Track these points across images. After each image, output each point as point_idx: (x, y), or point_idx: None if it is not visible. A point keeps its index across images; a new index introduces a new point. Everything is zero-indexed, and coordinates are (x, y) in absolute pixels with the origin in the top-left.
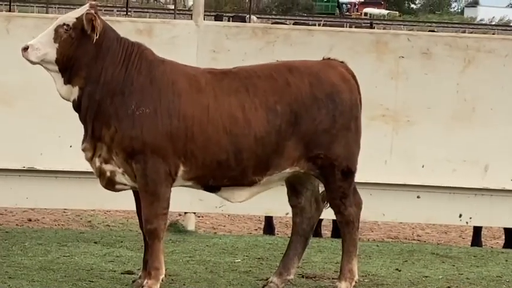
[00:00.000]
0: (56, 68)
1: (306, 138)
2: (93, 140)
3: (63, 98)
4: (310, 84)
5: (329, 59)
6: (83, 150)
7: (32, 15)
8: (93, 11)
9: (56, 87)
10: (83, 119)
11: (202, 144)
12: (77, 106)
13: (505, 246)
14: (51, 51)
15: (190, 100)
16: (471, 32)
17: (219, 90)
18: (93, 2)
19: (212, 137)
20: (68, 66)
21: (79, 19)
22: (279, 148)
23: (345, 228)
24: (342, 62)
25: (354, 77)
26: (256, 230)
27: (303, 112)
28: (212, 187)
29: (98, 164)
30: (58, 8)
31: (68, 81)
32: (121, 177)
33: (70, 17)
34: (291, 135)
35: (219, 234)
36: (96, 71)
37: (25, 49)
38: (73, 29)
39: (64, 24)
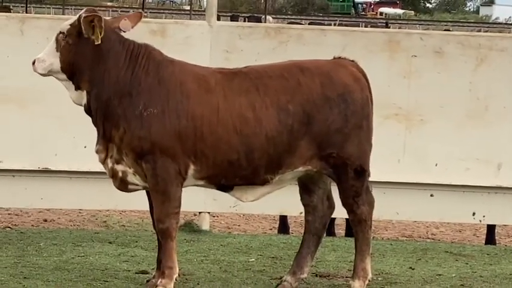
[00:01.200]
0: (64, 76)
1: (319, 138)
2: (104, 142)
3: (76, 104)
4: (321, 84)
5: (340, 58)
6: (97, 152)
7: (46, 17)
8: (94, 13)
9: (69, 95)
10: (94, 122)
11: (212, 144)
12: (88, 110)
13: None
14: (55, 61)
15: (199, 100)
16: (486, 31)
17: (229, 90)
18: (92, 8)
19: (222, 137)
20: (73, 72)
21: (73, 25)
22: (291, 147)
23: (357, 227)
24: (352, 61)
25: (364, 75)
26: (271, 229)
27: (314, 112)
28: (225, 186)
29: (110, 165)
30: (74, 9)
31: (77, 87)
32: (132, 178)
33: (65, 24)
34: (304, 135)
35: (233, 233)
36: (99, 74)
37: (33, 63)
38: (68, 36)
39: (60, 32)
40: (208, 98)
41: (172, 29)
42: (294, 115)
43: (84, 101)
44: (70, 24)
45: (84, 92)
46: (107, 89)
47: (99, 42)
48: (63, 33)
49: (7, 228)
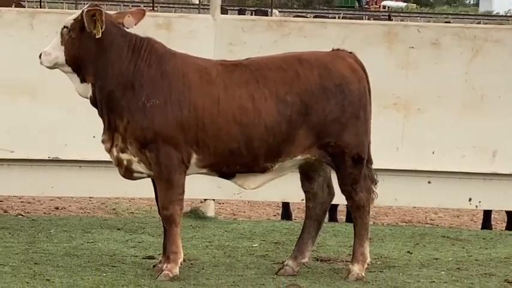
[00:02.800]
0: (69, 69)
1: (317, 128)
2: (110, 132)
3: (82, 97)
4: (319, 75)
5: (338, 50)
6: (102, 142)
7: (55, 11)
8: (96, 7)
9: (75, 88)
10: (100, 113)
11: (213, 134)
12: (94, 102)
13: (508, 228)
14: (60, 55)
15: (201, 92)
16: (486, 24)
17: (229, 82)
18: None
19: (223, 127)
20: (77, 65)
21: (76, 19)
22: (290, 137)
23: (356, 213)
24: (350, 52)
25: (362, 67)
26: (275, 215)
27: (313, 103)
28: (226, 174)
29: (115, 153)
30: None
31: (83, 79)
32: (137, 166)
33: (69, 18)
34: (302, 125)
35: (238, 220)
36: (102, 66)
37: (40, 56)
38: (72, 30)
39: (64, 26)
40: (210, 90)
41: (177, 23)
42: (292, 106)
43: (90, 93)
44: (73, 19)
45: (90, 84)
46: (111, 82)
47: (100, 35)
48: (67, 27)
49: (19, 216)
